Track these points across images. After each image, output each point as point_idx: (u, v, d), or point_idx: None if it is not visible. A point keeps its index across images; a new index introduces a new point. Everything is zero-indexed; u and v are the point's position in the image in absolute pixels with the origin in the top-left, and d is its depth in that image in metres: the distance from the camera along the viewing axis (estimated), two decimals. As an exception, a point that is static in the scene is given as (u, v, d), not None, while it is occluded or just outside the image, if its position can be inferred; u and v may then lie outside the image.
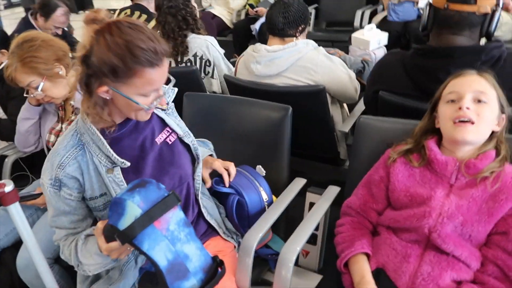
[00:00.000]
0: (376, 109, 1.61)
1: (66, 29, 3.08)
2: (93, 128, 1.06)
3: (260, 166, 1.38)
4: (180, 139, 1.24)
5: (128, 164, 1.10)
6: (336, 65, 1.77)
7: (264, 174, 1.37)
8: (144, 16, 2.80)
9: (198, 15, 2.31)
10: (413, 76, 1.45)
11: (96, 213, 1.15)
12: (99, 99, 1.02)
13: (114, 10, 2.93)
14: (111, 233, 0.94)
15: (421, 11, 3.34)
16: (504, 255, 1.01)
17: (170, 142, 1.22)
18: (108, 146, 1.07)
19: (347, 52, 2.60)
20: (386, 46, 2.68)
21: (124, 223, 0.91)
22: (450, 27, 1.36)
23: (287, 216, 1.48)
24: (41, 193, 1.63)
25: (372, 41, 2.59)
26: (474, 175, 1.06)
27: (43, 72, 1.52)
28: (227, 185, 1.30)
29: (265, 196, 1.32)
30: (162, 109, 1.22)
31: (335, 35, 3.98)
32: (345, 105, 1.98)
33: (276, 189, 1.44)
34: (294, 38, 1.80)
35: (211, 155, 1.40)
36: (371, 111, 1.71)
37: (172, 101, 1.26)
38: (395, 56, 1.55)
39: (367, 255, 1.13)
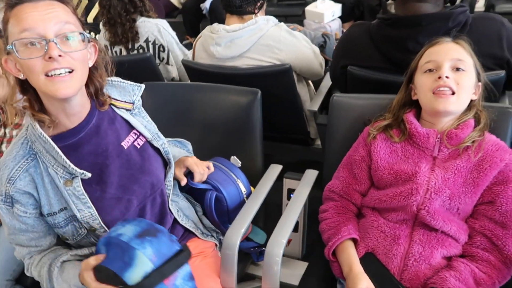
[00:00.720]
0: (345, 84, 1.57)
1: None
2: (44, 135, 0.92)
3: (235, 157, 1.29)
4: (149, 142, 1.10)
5: (89, 175, 0.96)
6: (299, 41, 1.70)
7: (239, 165, 1.29)
8: (85, 2, 2.58)
9: (146, 2, 2.14)
10: (381, 48, 1.41)
11: (57, 230, 1.01)
12: (14, 83, 0.90)
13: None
14: (108, 278, 0.85)
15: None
16: (491, 224, 1.00)
17: (138, 146, 1.07)
18: (63, 156, 0.93)
19: (301, 26, 2.53)
20: (340, 17, 2.65)
21: (132, 277, 0.82)
22: None
23: (265, 204, 1.42)
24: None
25: (326, 13, 2.54)
26: (456, 145, 1.03)
27: (-26, 72, 1.34)
28: (196, 180, 1.18)
29: (243, 189, 1.24)
30: (127, 109, 1.08)
31: (288, 9, 3.92)
32: (310, 82, 1.92)
33: (252, 177, 1.36)
34: (253, 15, 1.70)
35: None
36: (339, 87, 1.67)
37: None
38: (360, 28, 1.50)
39: (355, 240, 1.09)
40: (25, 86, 0.91)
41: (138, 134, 1.09)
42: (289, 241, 1.39)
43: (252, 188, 1.30)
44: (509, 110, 1.14)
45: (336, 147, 1.30)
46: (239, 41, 1.65)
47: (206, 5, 3.61)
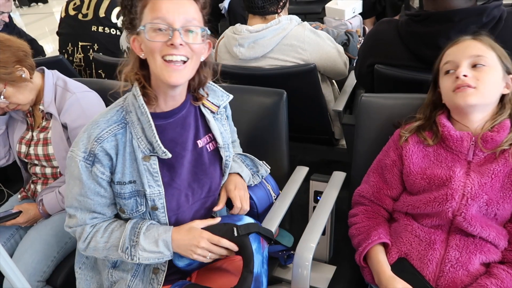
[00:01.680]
0: (372, 84, 1.54)
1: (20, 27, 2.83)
2: (145, 107, 0.99)
3: (264, 162, 1.28)
4: (216, 150, 1.16)
5: (170, 155, 1.02)
6: (323, 40, 1.67)
7: (269, 172, 1.28)
8: (94, 0, 2.60)
9: None
10: (410, 45, 1.37)
11: (120, 200, 1.05)
12: (136, 60, 1.00)
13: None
14: (223, 230, 1.03)
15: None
16: None
17: (209, 149, 1.14)
18: (155, 130, 0.99)
19: (321, 23, 2.50)
20: (361, 14, 2.60)
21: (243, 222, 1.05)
22: None
23: (290, 205, 1.40)
24: (21, 212, 1.49)
25: (347, 10, 2.50)
26: (492, 149, 0.99)
27: (4, 77, 1.36)
28: (232, 212, 1.19)
29: (273, 193, 1.24)
30: (212, 111, 1.14)
31: (307, 7, 3.87)
32: (334, 82, 1.89)
33: (277, 179, 1.35)
34: (276, 15, 1.68)
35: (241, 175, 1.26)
36: (365, 86, 1.64)
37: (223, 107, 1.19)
38: (388, 25, 1.46)
39: (386, 245, 1.06)
40: (143, 65, 1.01)
41: (212, 138, 1.14)
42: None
43: (280, 191, 1.29)
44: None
45: (365, 148, 1.27)
46: (262, 41, 1.63)
47: (225, 4, 3.60)
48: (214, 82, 1.15)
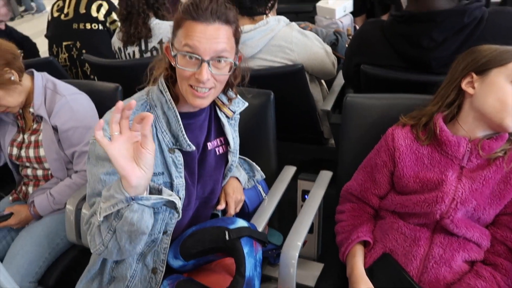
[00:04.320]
0: (359, 83, 1.56)
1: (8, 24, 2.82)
2: (172, 103, 1.03)
3: (259, 168, 1.33)
4: (225, 153, 1.19)
5: (194, 147, 1.07)
6: (311, 40, 1.69)
7: (264, 178, 1.32)
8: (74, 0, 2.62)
9: (166, 3, 2.17)
10: (395, 45, 1.39)
11: None
12: (168, 64, 1.04)
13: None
14: (215, 233, 1.05)
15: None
16: None
17: (218, 153, 1.18)
18: (182, 125, 1.03)
19: (312, 22, 2.52)
20: (352, 13, 2.63)
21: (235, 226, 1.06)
22: None
23: (279, 204, 1.42)
24: (12, 213, 1.50)
25: (337, 9, 2.52)
26: (487, 155, 0.99)
27: (-7, 80, 1.36)
28: (227, 214, 1.23)
29: (263, 193, 1.27)
30: (227, 116, 1.17)
31: (298, 5, 3.87)
32: (323, 81, 1.91)
33: (266, 178, 1.38)
34: (264, 15, 1.69)
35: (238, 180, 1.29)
36: (353, 86, 1.66)
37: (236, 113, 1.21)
38: (373, 26, 1.48)
39: (368, 242, 1.09)
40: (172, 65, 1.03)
41: (222, 142, 1.18)
42: (304, 242, 1.39)
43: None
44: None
45: (350, 147, 1.29)
46: (250, 42, 1.64)
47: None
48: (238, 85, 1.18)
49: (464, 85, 1.00)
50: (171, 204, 0.96)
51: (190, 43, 0.94)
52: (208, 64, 0.95)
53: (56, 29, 2.66)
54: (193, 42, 0.94)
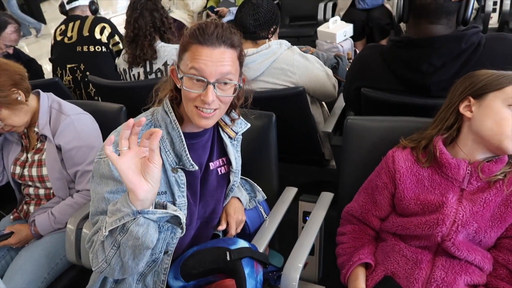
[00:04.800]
0: (359, 106, 1.58)
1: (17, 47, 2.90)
2: (177, 123, 1.05)
3: (260, 189, 1.34)
4: (227, 174, 1.21)
5: (197, 168, 1.08)
6: (312, 63, 1.72)
7: (265, 198, 1.32)
8: (78, 22, 2.72)
9: (172, 27, 2.23)
10: (394, 69, 1.42)
11: None
12: (173, 86, 1.06)
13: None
14: (216, 254, 1.06)
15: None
16: None
17: (220, 173, 1.19)
18: (185, 144, 1.05)
19: (313, 46, 2.57)
20: (352, 37, 2.68)
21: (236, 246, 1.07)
22: (427, 16, 1.33)
23: (280, 225, 1.42)
24: (12, 232, 1.50)
25: (338, 33, 2.58)
26: (487, 178, 1.00)
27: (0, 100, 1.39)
28: (228, 235, 1.23)
29: (264, 214, 1.28)
30: (229, 136, 1.19)
31: (300, 29, 3.97)
32: (324, 103, 1.93)
33: (267, 199, 1.38)
34: (267, 39, 1.74)
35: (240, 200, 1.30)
36: (353, 109, 1.68)
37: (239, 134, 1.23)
38: (373, 50, 1.51)
39: (369, 264, 1.08)
40: (177, 87, 1.06)
41: (225, 162, 1.19)
42: (305, 265, 1.39)
43: (269, 211, 1.32)
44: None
45: (351, 169, 1.30)
46: (253, 65, 1.68)
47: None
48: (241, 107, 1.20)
49: (462, 108, 1.02)
50: (175, 220, 0.97)
51: (197, 66, 0.97)
52: (214, 86, 0.97)
53: (60, 52, 2.72)
54: (199, 65, 0.96)
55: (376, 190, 1.14)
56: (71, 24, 2.72)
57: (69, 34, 2.69)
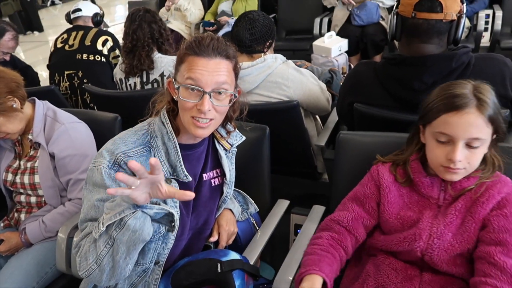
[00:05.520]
0: (352, 121, 1.60)
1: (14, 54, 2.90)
2: (173, 134, 1.06)
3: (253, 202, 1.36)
4: (220, 185, 1.22)
5: (190, 178, 1.09)
6: (306, 77, 1.75)
7: (257, 211, 1.33)
8: (81, 32, 2.75)
9: (170, 39, 2.26)
10: (387, 86, 1.45)
11: None
12: (170, 98, 1.08)
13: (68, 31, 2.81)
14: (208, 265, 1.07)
15: (381, 14, 3.44)
16: (487, 247, 0.97)
17: (213, 184, 1.20)
18: (180, 155, 1.06)
19: (309, 60, 2.60)
20: (347, 52, 2.73)
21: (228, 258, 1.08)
22: (419, 36, 1.37)
23: (272, 238, 1.43)
24: (2, 240, 1.49)
25: (333, 48, 2.63)
26: (458, 192, 1.04)
27: (-5, 107, 1.39)
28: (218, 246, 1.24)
29: (256, 227, 1.29)
30: (225, 148, 1.20)
31: (296, 43, 4.01)
32: (318, 117, 1.96)
33: (259, 212, 1.39)
34: (262, 53, 1.76)
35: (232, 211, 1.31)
36: (347, 123, 1.70)
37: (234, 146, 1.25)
38: (366, 67, 1.54)
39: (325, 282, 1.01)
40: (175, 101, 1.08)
41: (219, 174, 1.21)
42: (296, 278, 1.39)
43: (261, 224, 1.33)
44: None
45: (343, 183, 1.31)
46: (248, 78, 1.70)
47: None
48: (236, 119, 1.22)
49: (421, 133, 1.08)
50: (167, 220, 0.98)
51: (193, 76, 0.99)
52: (210, 95, 1.00)
53: (60, 59, 2.74)
54: (195, 75, 0.99)
55: (366, 199, 1.15)
56: (73, 34, 2.75)
57: (70, 42, 2.72)
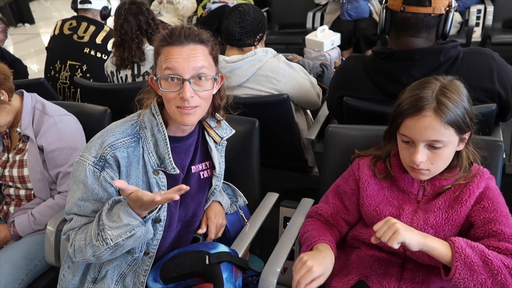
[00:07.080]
0: (342, 115, 1.61)
1: (3, 47, 2.87)
2: (163, 125, 1.07)
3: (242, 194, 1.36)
4: (209, 177, 1.22)
5: (178, 171, 1.09)
6: (297, 72, 1.75)
7: (246, 203, 1.34)
8: (93, 27, 2.72)
9: (159, 28, 2.25)
10: (375, 80, 1.45)
11: None
12: (155, 93, 1.09)
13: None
14: (196, 258, 1.08)
15: (373, 9, 3.45)
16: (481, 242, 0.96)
17: (202, 177, 1.20)
18: (169, 147, 1.07)
19: (301, 53, 2.61)
20: (339, 46, 2.73)
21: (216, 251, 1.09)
22: (408, 30, 1.37)
23: (261, 230, 1.44)
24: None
25: (326, 42, 2.63)
26: (437, 190, 1.05)
27: (-18, 100, 1.38)
28: (207, 238, 1.24)
29: (245, 219, 1.30)
30: (215, 141, 1.21)
31: (289, 37, 4.01)
32: (308, 111, 1.96)
33: (249, 205, 1.39)
34: (253, 47, 1.76)
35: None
36: (336, 117, 1.71)
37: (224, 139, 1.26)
38: (356, 61, 1.54)
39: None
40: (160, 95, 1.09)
41: (208, 166, 1.21)
42: (284, 270, 1.39)
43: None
44: (498, 143, 1.16)
45: (332, 176, 1.32)
46: (238, 71, 1.70)
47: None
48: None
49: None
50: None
51: (170, 65, 1.00)
52: (190, 82, 1.00)
53: (64, 46, 2.71)
54: (171, 63, 1.00)
55: (345, 196, 1.17)
56: (84, 25, 2.72)
57: (80, 34, 2.70)
